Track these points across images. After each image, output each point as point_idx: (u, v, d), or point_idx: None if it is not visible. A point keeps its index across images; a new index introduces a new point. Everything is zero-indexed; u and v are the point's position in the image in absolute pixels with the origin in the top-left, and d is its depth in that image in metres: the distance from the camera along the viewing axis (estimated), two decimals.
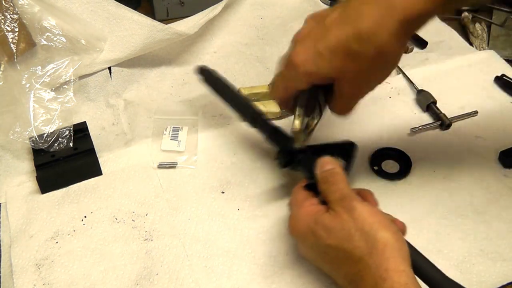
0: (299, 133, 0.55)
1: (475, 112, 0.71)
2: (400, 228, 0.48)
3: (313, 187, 0.52)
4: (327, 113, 0.57)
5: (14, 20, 0.67)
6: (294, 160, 0.56)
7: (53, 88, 0.69)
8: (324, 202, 0.50)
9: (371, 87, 0.52)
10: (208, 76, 0.68)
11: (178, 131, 0.69)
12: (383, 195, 0.61)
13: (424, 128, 0.69)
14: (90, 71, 0.75)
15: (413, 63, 0.81)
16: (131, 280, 0.54)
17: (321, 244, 0.47)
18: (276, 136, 0.59)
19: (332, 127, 0.71)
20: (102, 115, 0.73)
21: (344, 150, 0.59)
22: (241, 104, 0.64)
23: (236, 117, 0.66)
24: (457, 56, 0.81)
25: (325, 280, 0.54)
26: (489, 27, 0.88)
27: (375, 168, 0.65)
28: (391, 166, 0.66)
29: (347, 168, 0.58)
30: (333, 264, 0.47)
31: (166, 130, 0.69)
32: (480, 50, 0.84)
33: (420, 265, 0.46)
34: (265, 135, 0.61)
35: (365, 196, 0.52)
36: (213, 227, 0.59)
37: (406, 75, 0.77)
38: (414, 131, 0.69)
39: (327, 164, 0.51)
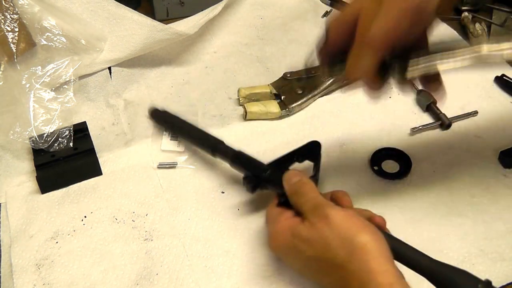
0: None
1: (475, 112, 0.71)
2: (378, 223, 0.48)
3: (286, 203, 0.52)
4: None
5: (14, 20, 0.67)
6: (261, 182, 0.56)
7: (53, 88, 0.69)
8: (298, 214, 0.50)
9: None
10: (161, 115, 0.69)
11: None
12: (383, 195, 0.62)
13: (424, 128, 0.69)
14: (90, 71, 0.75)
15: None
16: (131, 280, 0.54)
17: (302, 257, 0.47)
18: (240, 160, 0.59)
19: (331, 126, 0.71)
20: (102, 115, 0.73)
21: (309, 151, 0.59)
22: (199, 134, 0.65)
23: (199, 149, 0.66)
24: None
25: None
26: (489, 27, 0.88)
27: (375, 168, 0.65)
28: (391, 166, 0.66)
29: (315, 169, 0.59)
30: (318, 274, 0.47)
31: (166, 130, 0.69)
32: None
33: (404, 252, 0.45)
34: (228, 161, 0.60)
35: (338, 197, 0.52)
36: (213, 227, 0.59)
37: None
38: (414, 131, 0.69)
39: (293, 177, 0.52)
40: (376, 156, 0.66)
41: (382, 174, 0.64)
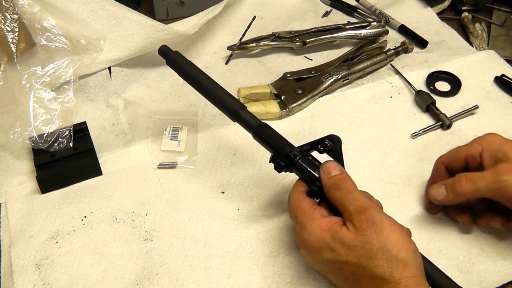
0: None
1: (476, 107, 0.71)
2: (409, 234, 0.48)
3: (316, 194, 0.50)
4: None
5: (14, 20, 0.67)
6: (292, 165, 0.52)
7: (53, 88, 0.69)
8: (332, 210, 0.48)
9: None
10: (173, 57, 0.60)
11: (178, 131, 0.69)
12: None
13: (424, 132, 0.69)
14: (90, 71, 0.75)
15: (413, 63, 0.81)
16: (131, 280, 0.54)
17: (337, 260, 0.45)
18: (265, 135, 0.54)
19: (331, 126, 0.71)
20: (102, 115, 0.73)
21: (329, 146, 0.54)
22: (217, 92, 0.56)
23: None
24: (457, 56, 0.81)
25: (325, 280, 0.54)
26: (489, 27, 0.88)
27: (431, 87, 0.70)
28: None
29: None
30: (347, 279, 0.46)
31: (166, 130, 0.69)
32: (480, 50, 0.83)
33: (429, 271, 0.46)
34: (251, 132, 0.55)
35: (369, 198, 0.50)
36: (213, 227, 0.59)
37: (403, 76, 0.77)
38: (414, 136, 0.69)
39: (333, 169, 0.49)
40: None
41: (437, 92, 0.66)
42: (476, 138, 0.56)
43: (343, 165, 0.53)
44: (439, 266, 0.48)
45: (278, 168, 0.53)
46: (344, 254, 0.45)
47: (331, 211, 0.49)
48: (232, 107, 0.55)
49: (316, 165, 0.52)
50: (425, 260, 0.47)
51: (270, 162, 0.54)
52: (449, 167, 0.57)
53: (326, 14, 0.92)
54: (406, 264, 0.43)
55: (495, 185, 0.50)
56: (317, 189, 0.50)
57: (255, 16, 0.83)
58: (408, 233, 0.49)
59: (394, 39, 0.86)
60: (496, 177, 0.50)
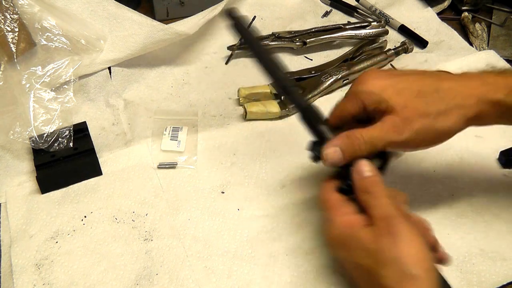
0: None
1: None
2: (437, 252, 0.47)
3: (344, 191, 0.49)
4: None
5: (14, 20, 0.67)
6: None
7: (53, 88, 0.69)
8: (361, 208, 0.47)
9: None
10: (240, 24, 0.58)
11: (178, 131, 0.69)
12: None
13: None
14: (90, 71, 0.75)
15: (413, 63, 0.81)
16: (131, 280, 0.54)
17: (351, 260, 0.45)
18: (311, 117, 0.53)
19: None
20: (102, 115, 0.73)
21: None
22: (274, 65, 0.55)
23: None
24: (457, 56, 0.81)
25: (325, 280, 0.54)
26: (489, 27, 0.88)
27: None
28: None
29: (383, 160, 0.52)
30: (359, 279, 0.46)
31: (166, 130, 0.69)
32: (480, 50, 0.84)
33: None
34: (300, 114, 0.54)
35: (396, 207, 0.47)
36: (213, 227, 0.59)
37: None
38: None
39: (365, 170, 0.48)
40: None
41: None
42: (354, 90, 0.52)
43: (386, 161, 0.51)
44: (439, 266, 0.48)
45: (315, 159, 0.52)
46: (359, 256, 0.44)
47: (361, 209, 0.48)
48: (285, 83, 0.55)
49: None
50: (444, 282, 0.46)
51: (308, 150, 0.52)
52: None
53: (326, 14, 0.92)
54: (417, 280, 0.41)
55: (387, 143, 0.48)
56: (347, 188, 0.49)
57: (255, 16, 0.83)
58: (432, 244, 0.47)
59: (394, 39, 0.86)
60: (385, 136, 0.48)
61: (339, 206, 0.48)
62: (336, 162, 0.49)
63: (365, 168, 0.48)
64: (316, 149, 0.51)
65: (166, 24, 0.77)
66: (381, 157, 0.51)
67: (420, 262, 0.42)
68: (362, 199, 0.47)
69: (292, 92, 0.55)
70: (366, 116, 0.51)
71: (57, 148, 0.64)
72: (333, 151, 0.49)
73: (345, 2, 0.93)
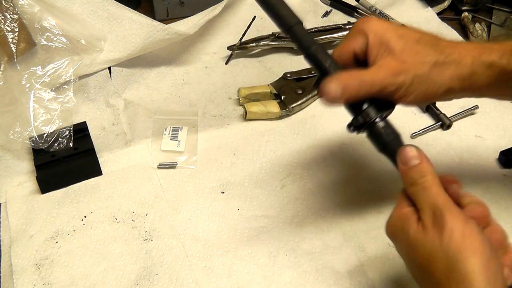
0: None
1: (476, 107, 0.71)
2: (499, 241, 0.43)
3: (354, 128, 0.48)
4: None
5: (14, 20, 0.67)
6: (370, 131, 0.49)
7: (53, 88, 0.69)
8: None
9: None
10: None
11: (178, 131, 0.69)
12: None
13: (424, 132, 0.69)
14: (90, 71, 0.75)
15: None
16: (131, 280, 0.54)
17: (401, 253, 0.44)
18: (317, 53, 0.49)
19: (332, 126, 0.71)
20: (102, 115, 0.73)
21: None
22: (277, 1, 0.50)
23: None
24: None
25: (325, 281, 0.54)
26: (489, 27, 0.88)
27: None
28: None
29: (383, 115, 0.51)
30: (412, 272, 0.44)
31: (166, 130, 0.69)
32: None
33: None
34: (303, 52, 0.50)
35: (448, 183, 0.44)
36: (213, 227, 0.59)
37: None
38: (414, 136, 0.69)
39: (412, 157, 0.44)
40: None
41: None
42: (359, 27, 0.50)
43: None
44: None
45: (354, 129, 0.51)
46: (407, 251, 0.43)
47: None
48: (287, 21, 0.50)
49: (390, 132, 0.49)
50: None
51: (313, 86, 0.51)
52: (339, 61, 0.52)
53: (326, 14, 0.92)
54: (467, 274, 0.38)
55: (383, 86, 0.47)
56: (356, 125, 0.48)
57: (255, 16, 0.83)
58: (499, 247, 0.43)
59: None
60: (383, 77, 0.47)
61: (401, 199, 0.45)
62: (335, 97, 0.47)
63: (411, 154, 0.44)
64: (356, 130, 0.50)
65: (166, 24, 0.77)
66: (384, 107, 0.50)
67: (475, 253, 0.39)
68: (410, 192, 0.44)
69: (294, 31, 0.50)
70: (365, 59, 0.50)
71: (57, 148, 0.64)
72: (332, 85, 0.47)
73: (345, 2, 0.93)
